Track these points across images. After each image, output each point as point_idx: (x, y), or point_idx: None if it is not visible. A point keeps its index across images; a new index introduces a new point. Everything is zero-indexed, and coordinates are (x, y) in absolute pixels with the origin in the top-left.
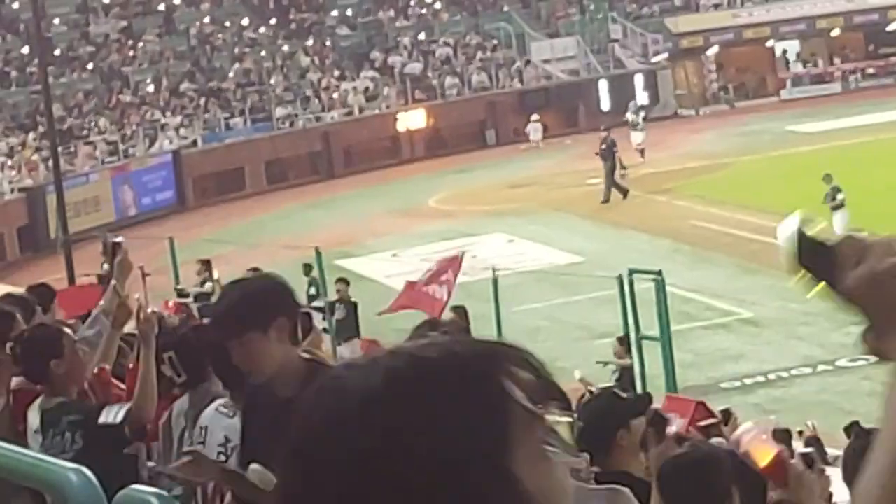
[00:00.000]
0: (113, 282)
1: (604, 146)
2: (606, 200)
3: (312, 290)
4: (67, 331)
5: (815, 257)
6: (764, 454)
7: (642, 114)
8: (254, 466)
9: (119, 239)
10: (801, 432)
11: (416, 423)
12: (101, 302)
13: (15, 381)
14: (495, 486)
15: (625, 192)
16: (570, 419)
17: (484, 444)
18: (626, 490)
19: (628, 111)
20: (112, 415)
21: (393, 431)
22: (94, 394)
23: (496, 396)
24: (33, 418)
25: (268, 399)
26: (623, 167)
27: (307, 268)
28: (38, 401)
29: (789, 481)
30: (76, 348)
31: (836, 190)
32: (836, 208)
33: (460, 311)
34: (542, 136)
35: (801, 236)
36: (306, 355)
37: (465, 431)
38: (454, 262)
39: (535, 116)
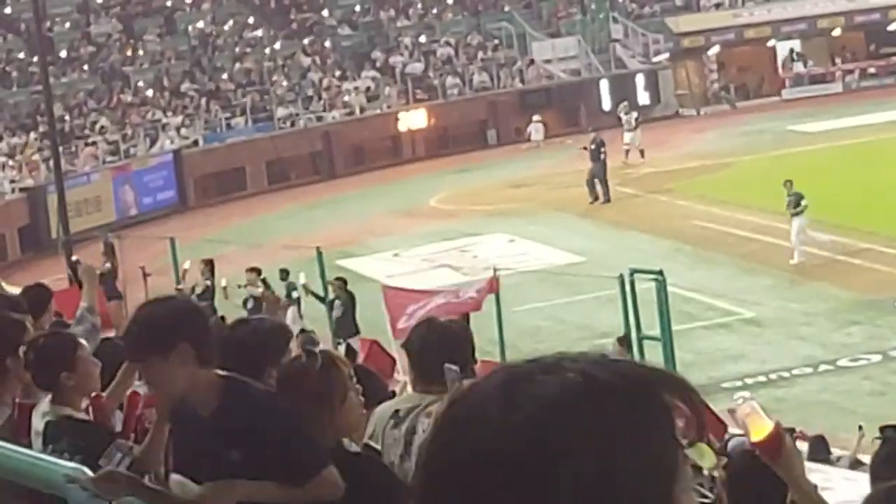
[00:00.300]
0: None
1: (592, 146)
2: (608, 200)
3: (295, 294)
4: (82, 342)
5: None
6: (761, 428)
7: (634, 114)
8: (175, 477)
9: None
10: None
11: (591, 442)
12: (83, 302)
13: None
14: None
15: (595, 198)
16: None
17: (656, 471)
18: None
19: (619, 111)
20: (115, 461)
21: (565, 448)
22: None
23: (668, 423)
24: (37, 422)
25: (190, 416)
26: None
27: (283, 273)
28: (44, 406)
29: (783, 455)
30: (89, 360)
31: (800, 196)
32: (795, 214)
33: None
34: (544, 136)
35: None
36: (221, 373)
37: (639, 456)
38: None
39: (536, 117)
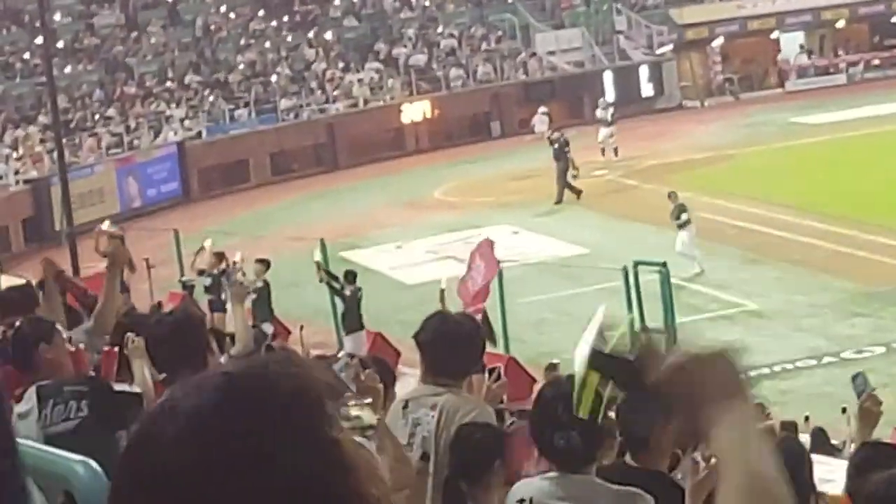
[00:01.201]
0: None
1: (556, 146)
2: (559, 202)
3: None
4: (59, 327)
5: (613, 369)
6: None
7: (611, 110)
8: None
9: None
10: (807, 418)
11: (239, 453)
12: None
13: None
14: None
15: (578, 193)
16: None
17: (323, 469)
18: (650, 498)
19: (598, 107)
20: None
21: (215, 460)
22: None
23: (313, 420)
24: (23, 404)
25: None
26: (575, 167)
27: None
28: (29, 389)
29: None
30: (63, 341)
31: (682, 209)
32: (681, 226)
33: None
34: (548, 128)
35: (596, 354)
36: None
37: (292, 467)
38: (482, 249)
39: (542, 109)
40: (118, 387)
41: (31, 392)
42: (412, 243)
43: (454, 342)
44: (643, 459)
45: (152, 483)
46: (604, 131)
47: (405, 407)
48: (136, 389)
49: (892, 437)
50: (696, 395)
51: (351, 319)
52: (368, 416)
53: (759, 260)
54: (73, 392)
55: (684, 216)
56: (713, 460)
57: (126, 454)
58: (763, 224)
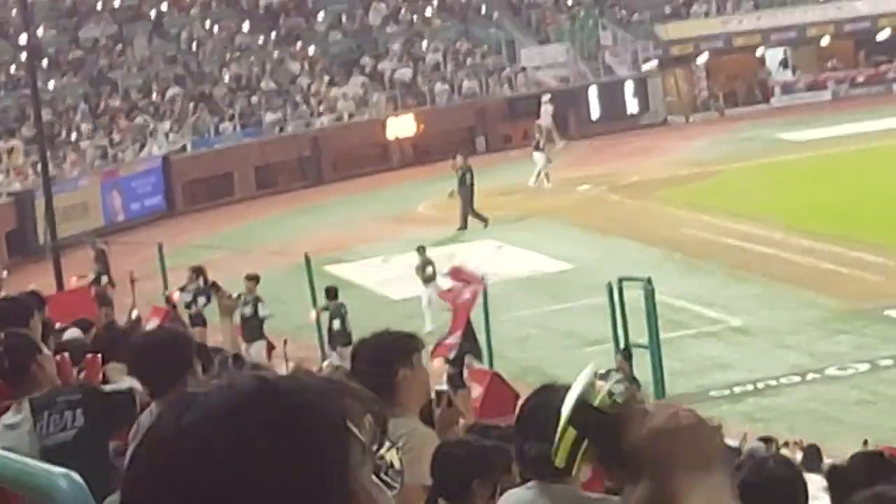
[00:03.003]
0: None
1: (459, 172)
2: (462, 228)
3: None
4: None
5: (592, 424)
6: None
7: (543, 136)
8: None
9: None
10: (786, 443)
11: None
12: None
13: None
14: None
15: (485, 221)
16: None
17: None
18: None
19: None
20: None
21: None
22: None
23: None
24: (11, 415)
25: None
26: (451, 193)
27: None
28: (21, 401)
29: None
30: (49, 355)
31: (427, 262)
32: (426, 281)
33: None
34: (552, 122)
35: (581, 405)
36: None
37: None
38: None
39: (546, 97)
40: (108, 388)
41: (24, 404)
42: (397, 257)
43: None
44: None
45: (167, 474)
46: (538, 156)
47: None
48: (125, 385)
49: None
50: (672, 462)
51: (341, 335)
52: (393, 458)
53: (744, 276)
54: (67, 402)
55: (430, 270)
56: None
57: (145, 443)
58: (748, 240)
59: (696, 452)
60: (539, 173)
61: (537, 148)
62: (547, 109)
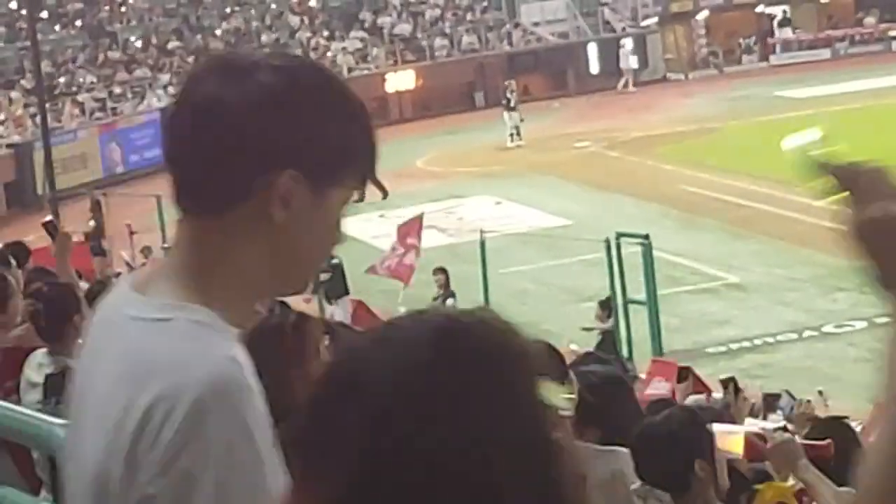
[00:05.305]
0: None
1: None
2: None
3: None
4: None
5: (835, 175)
6: (735, 443)
7: (515, 94)
8: None
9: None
10: (820, 392)
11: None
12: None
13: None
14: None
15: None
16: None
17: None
18: (625, 451)
19: (507, 89)
20: None
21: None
22: None
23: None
24: (32, 374)
25: None
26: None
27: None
28: (39, 356)
29: (767, 455)
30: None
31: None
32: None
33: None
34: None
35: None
36: None
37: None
38: (415, 224)
39: (628, 44)
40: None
41: (36, 373)
42: (395, 212)
43: None
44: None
45: (356, 396)
46: (508, 116)
47: None
48: None
49: (873, 413)
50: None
51: (335, 286)
52: (559, 401)
53: (742, 233)
54: None
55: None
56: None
57: (333, 368)
58: (746, 197)
59: None
60: (513, 133)
61: (509, 108)
62: (627, 53)
